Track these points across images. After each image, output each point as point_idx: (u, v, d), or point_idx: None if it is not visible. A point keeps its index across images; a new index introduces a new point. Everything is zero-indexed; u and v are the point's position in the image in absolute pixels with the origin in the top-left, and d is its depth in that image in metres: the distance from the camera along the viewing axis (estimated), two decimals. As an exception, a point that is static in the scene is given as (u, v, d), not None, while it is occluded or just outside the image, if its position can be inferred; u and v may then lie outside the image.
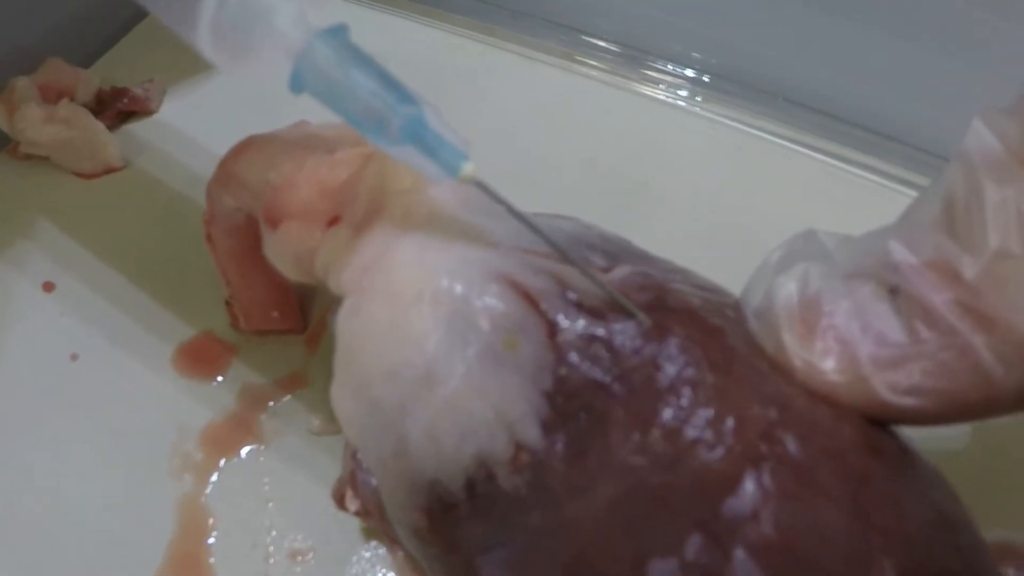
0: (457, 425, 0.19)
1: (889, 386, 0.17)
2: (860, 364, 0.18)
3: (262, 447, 0.30)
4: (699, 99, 0.39)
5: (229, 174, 0.26)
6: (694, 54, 0.40)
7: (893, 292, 0.18)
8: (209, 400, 0.31)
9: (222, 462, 0.29)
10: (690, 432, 0.17)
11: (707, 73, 0.40)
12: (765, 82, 0.39)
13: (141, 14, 0.43)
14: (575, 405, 0.18)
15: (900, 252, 0.18)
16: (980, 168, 0.17)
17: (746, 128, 0.38)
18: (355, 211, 0.22)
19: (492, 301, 0.19)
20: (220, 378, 0.31)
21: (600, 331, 0.19)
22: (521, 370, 0.19)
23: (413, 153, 0.19)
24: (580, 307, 0.19)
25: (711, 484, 0.17)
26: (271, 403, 0.31)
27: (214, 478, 0.29)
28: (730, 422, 0.17)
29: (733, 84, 0.40)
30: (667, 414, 0.17)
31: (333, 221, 0.23)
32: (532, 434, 0.18)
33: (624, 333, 0.19)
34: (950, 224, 0.17)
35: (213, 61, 0.20)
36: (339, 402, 0.21)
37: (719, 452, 0.17)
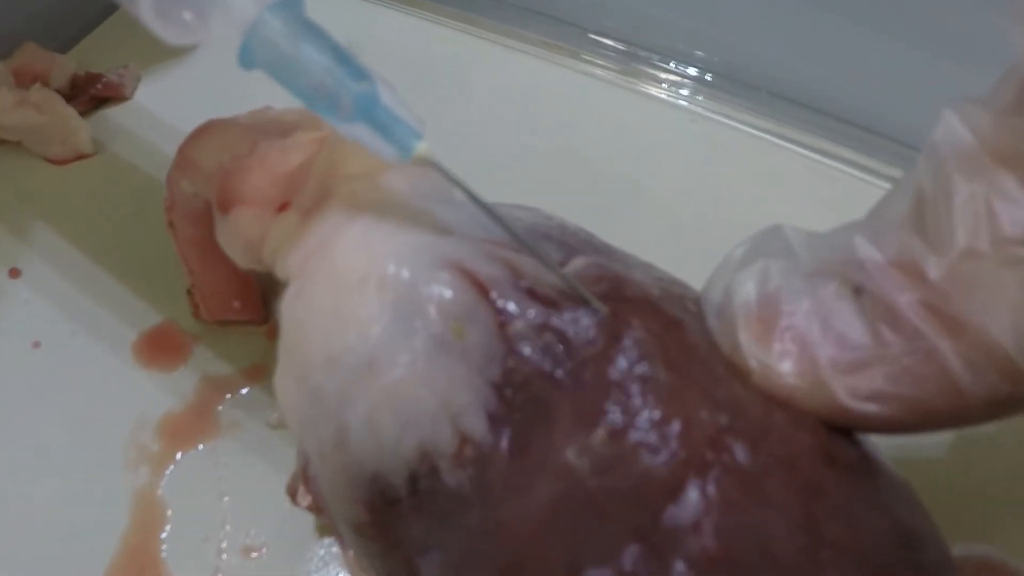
0: (400, 415, 0.18)
1: (849, 391, 0.17)
2: (819, 367, 0.17)
3: (219, 439, 0.29)
4: (700, 98, 0.39)
5: (186, 159, 0.26)
6: (697, 52, 0.39)
7: (857, 292, 0.17)
8: (168, 390, 0.30)
9: (179, 454, 0.29)
10: (633, 434, 0.16)
11: (709, 72, 0.39)
12: (766, 81, 0.38)
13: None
14: (523, 397, 0.18)
15: (865, 249, 0.17)
16: (949, 161, 0.16)
17: (744, 127, 0.37)
18: (304, 197, 0.21)
19: (440, 288, 0.18)
20: (180, 368, 0.31)
21: (553, 321, 0.18)
22: (468, 359, 0.18)
23: (365, 131, 0.18)
24: (533, 296, 0.18)
25: (652, 491, 0.16)
26: (230, 395, 0.30)
27: (170, 470, 0.28)
28: (676, 426, 0.16)
29: (734, 83, 0.39)
30: (612, 413, 0.17)
31: (283, 207, 0.22)
32: (478, 426, 0.18)
33: (578, 323, 0.18)
34: (919, 221, 0.16)
35: (156, 32, 0.19)
36: (281, 390, 0.20)
37: (662, 457, 0.16)
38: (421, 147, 0.18)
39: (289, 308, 0.20)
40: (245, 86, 0.25)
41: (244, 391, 0.30)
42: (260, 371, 0.30)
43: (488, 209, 0.19)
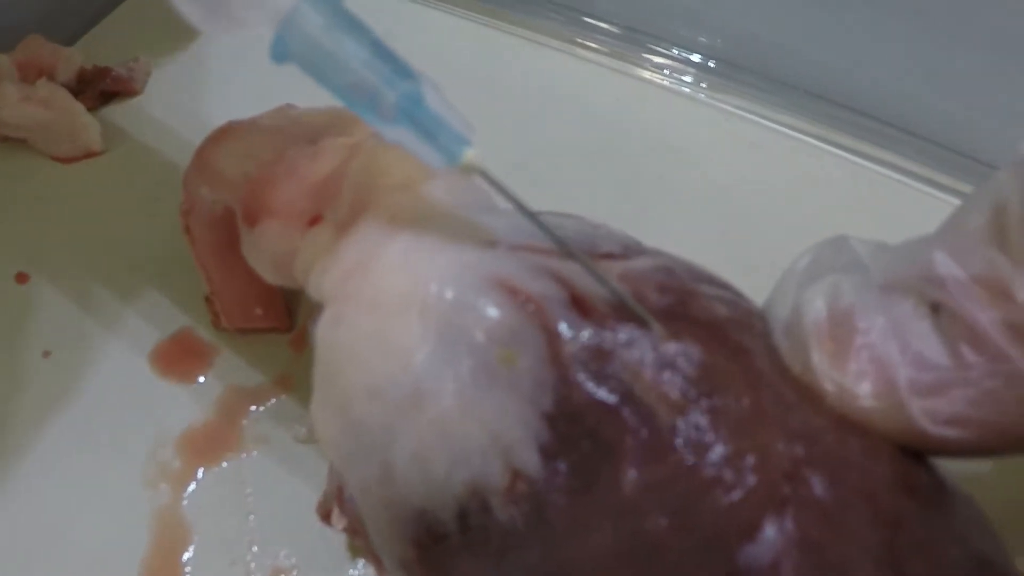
0: (448, 450, 0.17)
1: (929, 414, 0.16)
2: (897, 389, 0.16)
3: (244, 455, 0.28)
4: (704, 85, 0.38)
5: (205, 164, 0.24)
6: (700, 38, 0.38)
7: (935, 309, 0.16)
8: (189, 403, 0.29)
9: (201, 471, 0.27)
10: (707, 471, 0.15)
11: (713, 59, 0.38)
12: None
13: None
14: (579, 430, 0.17)
15: (946, 265, 0.16)
16: None
17: (753, 117, 0.36)
18: (338, 209, 0.20)
19: (487, 309, 0.17)
20: (201, 379, 0.29)
21: (608, 343, 0.17)
22: (518, 389, 0.17)
23: (408, 135, 0.17)
24: (586, 314, 0.17)
25: (727, 530, 0.15)
26: (255, 407, 0.29)
27: (192, 488, 0.27)
28: (751, 459, 0.15)
29: (740, 71, 0.38)
30: (682, 448, 0.16)
31: (315, 220, 0.21)
32: (530, 461, 0.17)
33: (637, 346, 0.17)
34: (1000, 236, 0.16)
35: (185, 14, 0.18)
36: (319, 422, 0.19)
37: (737, 494, 0.15)
38: (469, 154, 0.17)
39: (325, 335, 0.19)
40: (262, 80, 0.24)
41: (271, 402, 0.29)
42: (287, 382, 0.29)
43: (538, 221, 0.18)
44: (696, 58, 0.38)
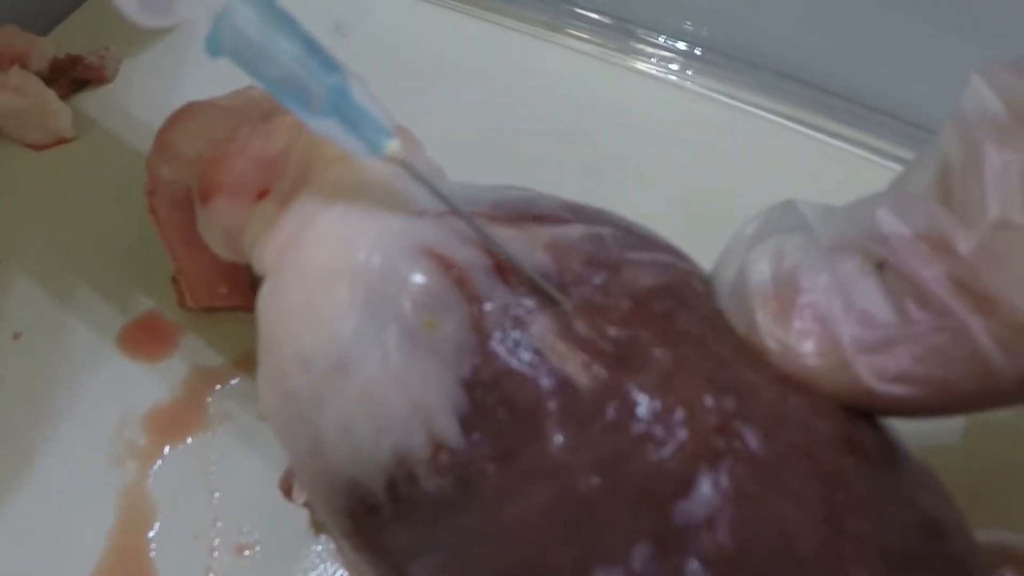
0: (373, 419, 0.17)
1: (874, 372, 0.16)
2: (842, 347, 0.16)
3: (209, 433, 0.28)
4: (690, 72, 0.37)
5: (165, 144, 0.25)
6: (686, 25, 0.38)
7: (881, 267, 0.16)
8: (155, 382, 0.29)
9: (166, 449, 0.28)
10: (635, 427, 0.15)
11: (699, 46, 0.38)
12: (757, 55, 0.37)
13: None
14: (494, 398, 0.16)
15: (889, 222, 0.16)
16: (979, 129, 0.15)
17: (737, 103, 0.36)
18: (283, 183, 0.20)
19: (412, 276, 0.17)
20: (167, 360, 0.30)
21: (527, 310, 0.17)
22: (440, 354, 0.17)
23: (335, 127, 0.18)
24: (510, 282, 0.17)
25: (660, 486, 0.15)
26: (219, 386, 0.29)
27: (158, 465, 0.27)
28: (679, 414, 0.15)
29: (725, 57, 0.37)
30: (607, 407, 0.16)
31: (262, 195, 0.21)
32: (450, 430, 0.17)
33: (553, 313, 0.17)
34: (945, 193, 0.15)
35: (123, 9, 0.18)
36: (262, 394, 0.19)
37: (668, 449, 0.15)
38: (392, 145, 0.18)
39: (264, 306, 0.19)
40: (229, 67, 0.24)
41: (234, 381, 0.29)
42: (251, 360, 0.29)
43: (458, 209, 0.18)
44: (673, 42, 0.38)
